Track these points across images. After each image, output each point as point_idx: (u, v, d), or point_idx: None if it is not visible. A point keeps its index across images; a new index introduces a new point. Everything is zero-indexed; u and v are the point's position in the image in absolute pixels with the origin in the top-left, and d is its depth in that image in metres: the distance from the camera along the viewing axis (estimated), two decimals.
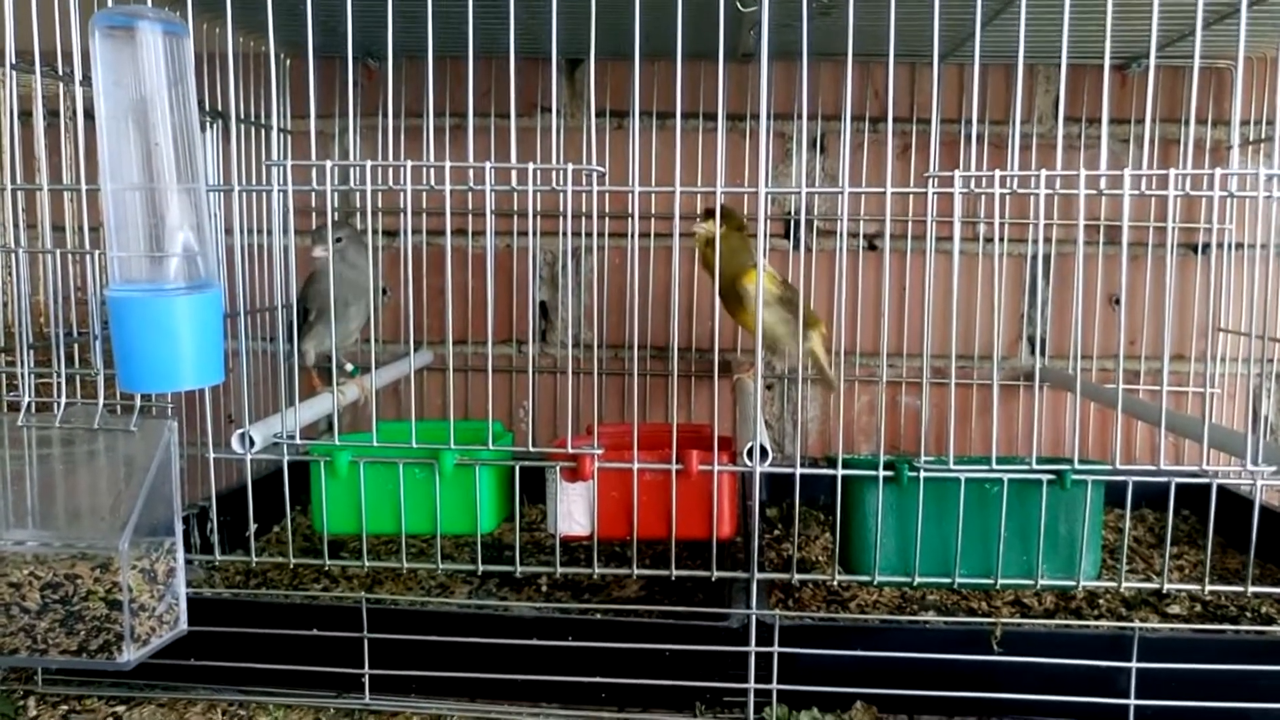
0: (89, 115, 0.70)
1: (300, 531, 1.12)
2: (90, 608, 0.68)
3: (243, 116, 1.06)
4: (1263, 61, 1.20)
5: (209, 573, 0.97)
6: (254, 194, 1.00)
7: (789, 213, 1.28)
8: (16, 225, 0.82)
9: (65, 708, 0.80)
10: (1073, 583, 0.80)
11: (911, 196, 1.18)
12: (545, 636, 0.79)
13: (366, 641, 0.80)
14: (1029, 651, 0.77)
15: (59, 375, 0.78)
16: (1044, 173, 0.75)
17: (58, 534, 0.70)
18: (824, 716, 0.78)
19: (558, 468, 0.82)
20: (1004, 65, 1.24)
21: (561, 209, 1.18)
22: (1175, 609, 0.93)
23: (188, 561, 0.76)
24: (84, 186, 0.81)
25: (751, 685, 0.79)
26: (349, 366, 1.04)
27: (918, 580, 0.81)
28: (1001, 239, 1.24)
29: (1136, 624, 0.78)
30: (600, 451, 0.81)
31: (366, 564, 0.85)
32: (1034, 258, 1.26)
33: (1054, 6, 0.78)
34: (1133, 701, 0.77)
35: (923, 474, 0.78)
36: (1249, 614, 0.92)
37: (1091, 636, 0.79)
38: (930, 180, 0.77)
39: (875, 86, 1.26)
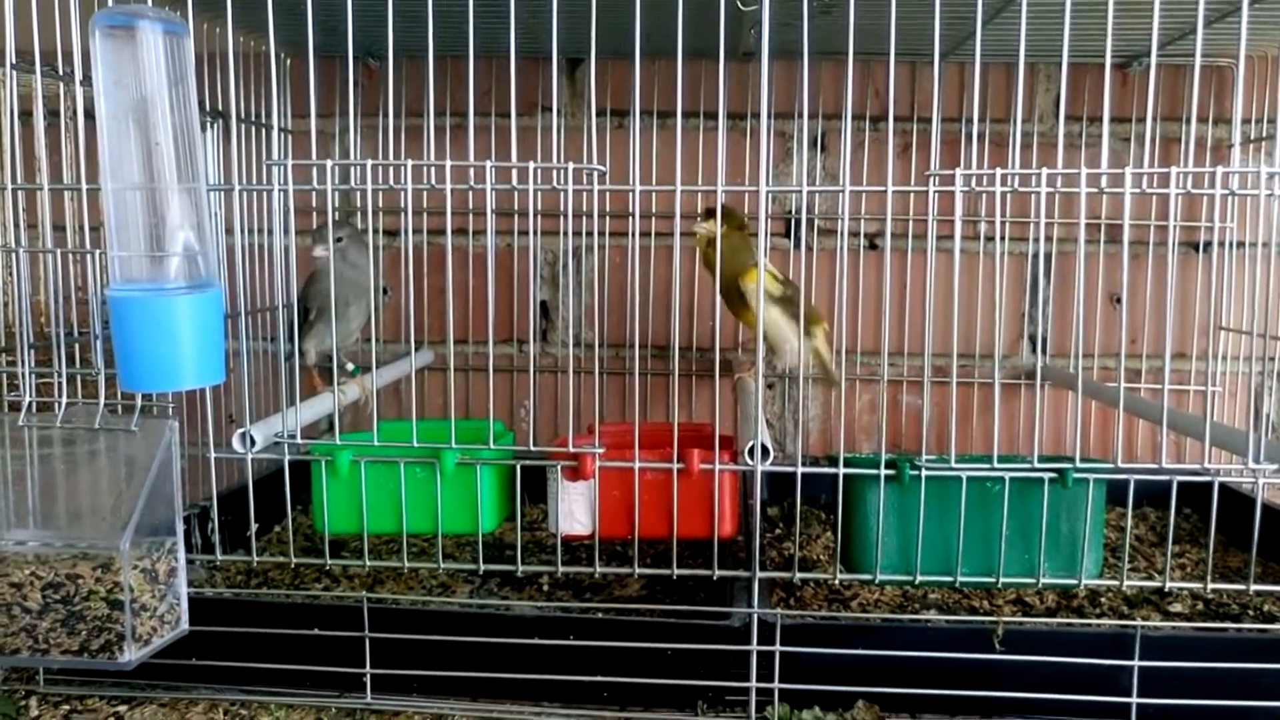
0: (89, 115, 0.70)
1: (301, 531, 1.12)
2: (92, 608, 0.68)
3: (243, 116, 1.06)
4: (1264, 60, 1.19)
5: (210, 572, 0.97)
6: (254, 193, 0.99)
7: (790, 212, 1.28)
8: (17, 225, 0.82)
9: (67, 708, 0.80)
10: (1074, 581, 0.80)
11: (912, 195, 1.18)
12: (547, 636, 0.79)
13: (368, 641, 0.80)
14: (1031, 650, 0.77)
15: (60, 375, 0.78)
16: (1045, 171, 0.75)
17: (59, 534, 0.70)
18: (826, 715, 0.78)
19: (559, 467, 0.82)
20: (1005, 64, 1.24)
21: (562, 208, 1.18)
22: (1177, 607, 0.93)
23: (189, 561, 0.76)
24: (84, 186, 0.81)
25: (753, 684, 0.79)
26: (350, 366, 1.04)
27: (919, 579, 0.81)
28: (1003, 238, 1.24)
29: (1139, 622, 0.78)
30: (601, 451, 0.81)
31: (368, 563, 0.85)
32: (1035, 256, 1.26)
33: (1055, 5, 0.78)
34: (1135, 700, 0.77)
35: (924, 473, 0.78)
36: (1251, 612, 0.92)
37: (1093, 635, 0.79)
38: (931, 179, 0.77)
39: (876, 85, 1.26)
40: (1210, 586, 0.82)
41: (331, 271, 0.87)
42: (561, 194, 0.79)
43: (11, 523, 0.70)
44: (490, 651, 0.80)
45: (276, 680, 0.81)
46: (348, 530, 0.86)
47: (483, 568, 0.84)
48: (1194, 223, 1.25)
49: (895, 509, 0.80)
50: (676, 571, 0.82)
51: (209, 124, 1.05)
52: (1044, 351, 1.28)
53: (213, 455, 0.84)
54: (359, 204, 1.24)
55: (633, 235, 0.82)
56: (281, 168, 0.82)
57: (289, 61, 1.24)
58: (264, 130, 1.13)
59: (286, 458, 0.83)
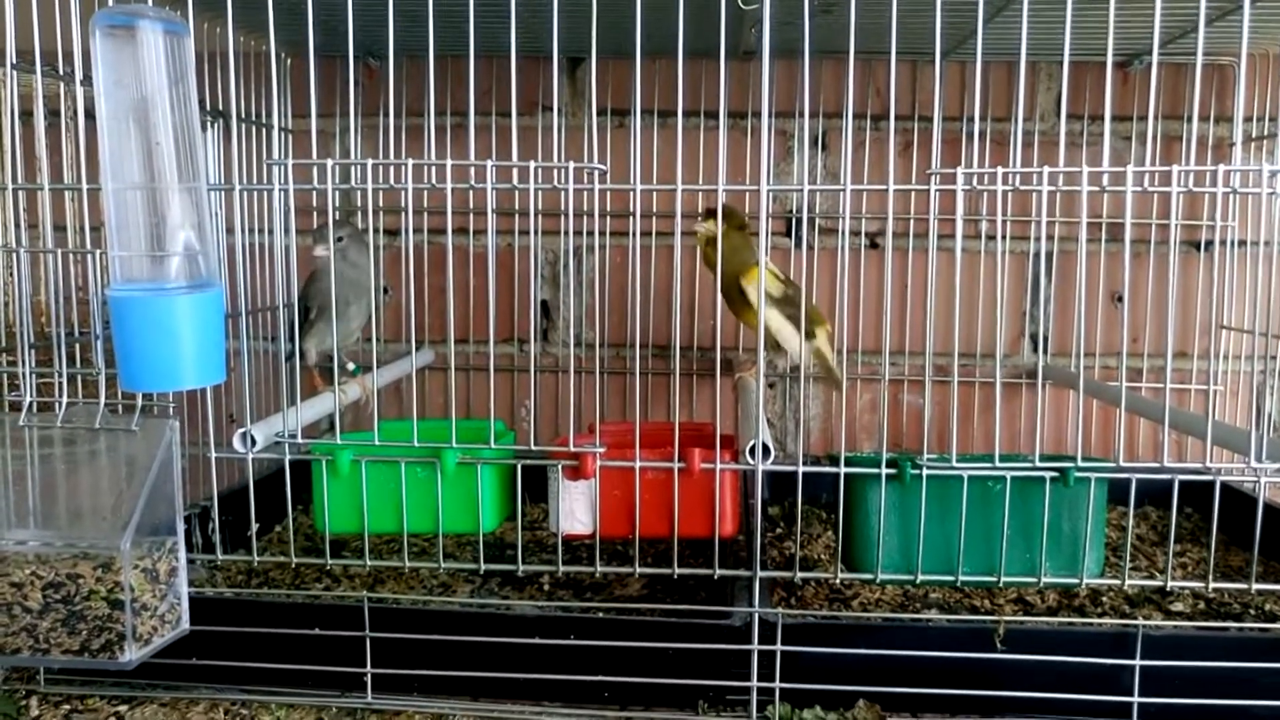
0: (90, 115, 0.70)
1: (302, 531, 1.12)
2: (92, 607, 0.68)
3: (244, 116, 1.06)
4: (1265, 58, 1.19)
5: (211, 572, 0.97)
6: (255, 193, 1.00)
7: (791, 211, 1.28)
8: (18, 225, 0.82)
9: (67, 707, 0.80)
10: (1076, 580, 0.80)
11: (913, 194, 1.18)
12: (547, 635, 0.79)
13: (369, 640, 0.80)
14: (1032, 649, 0.77)
15: (60, 375, 0.78)
16: (1046, 170, 0.74)
17: (59, 534, 0.70)
18: (827, 715, 0.78)
19: (560, 466, 0.82)
20: (1006, 63, 1.24)
21: (563, 207, 1.17)
22: (1179, 606, 0.93)
23: (189, 561, 0.75)
24: (85, 186, 0.81)
25: (754, 684, 0.79)
26: (350, 365, 1.04)
27: (920, 578, 0.80)
28: (1004, 237, 1.24)
29: (1140, 621, 0.78)
30: (602, 450, 0.81)
31: (368, 563, 0.85)
32: (1036, 255, 1.26)
33: (1056, 4, 0.78)
34: (1136, 699, 0.77)
35: (925, 472, 0.78)
36: (1252, 611, 0.92)
37: (1095, 634, 0.79)
38: (932, 178, 0.77)
39: (877, 84, 1.26)
40: (1212, 586, 0.81)
41: (332, 271, 0.87)
42: (562, 193, 0.78)
43: (12, 522, 0.70)
44: (491, 651, 0.80)
45: (277, 680, 0.81)
46: (348, 530, 0.86)
47: (483, 567, 0.84)
48: (1195, 221, 1.25)
49: (896, 508, 0.80)
50: (677, 571, 0.82)
51: (209, 124, 1.05)
52: (1045, 351, 1.28)
53: (213, 455, 0.84)
54: (359, 203, 1.24)
55: (633, 235, 0.82)
56: (282, 167, 0.82)
57: (289, 61, 1.23)
58: (264, 130, 1.13)
59: (287, 457, 0.83)
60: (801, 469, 0.84)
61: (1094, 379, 1.22)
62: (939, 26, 0.75)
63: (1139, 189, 0.75)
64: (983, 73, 0.84)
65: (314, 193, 1.15)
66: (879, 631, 0.80)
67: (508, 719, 0.79)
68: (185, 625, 0.74)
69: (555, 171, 0.77)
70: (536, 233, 1.27)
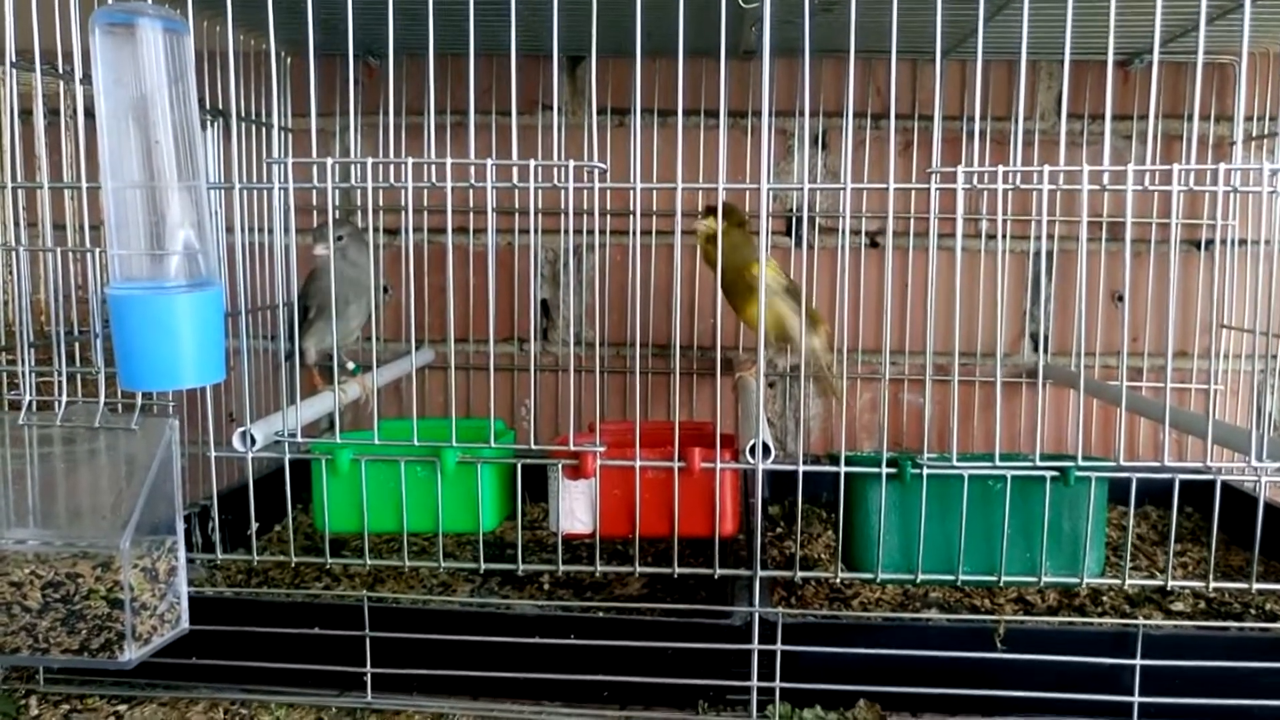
0: (89, 113, 0.70)
1: (302, 530, 1.12)
2: (91, 607, 0.68)
3: (243, 114, 1.06)
4: (1265, 57, 1.19)
5: (210, 571, 0.97)
6: (255, 192, 0.99)
7: (791, 210, 1.28)
8: (17, 224, 0.82)
9: (67, 707, 0.80)
10: (1076, 580, 0.80)
11: (914, 193, 1.18)
12: (547, 635, 0.79)
13: (368, 640, 0.80)
14: (1032, 649, 0.77)
15: (60, 374, 0.78)
16: (1047, 168, 0.74)
17: (59, 533, 0.70)
18: (827, 714, 0.78)
19: (560, 465, 0.82)
20: (1006, 62, 1.23)
21: (563, 206, 1.17)
22: (1179, 606, 0.93)
23: (189, 560, 0.75)
24: (84, 185, 0.80)
25: (754, 683, 0.79)
26: (350, 365, 1.04)
27: (921, 578, 0.80)
28: (1004, 236, 1.24)
29: (1140, 621, 0.78)
30: (602, 449, 0.81)
31: (368, 562, 0.85)
32: (1036, 254, 1.25)
33: (1056, 2, 0.77)
34: (1136, 699, 0.77)
35: (925, 471, 0.78)
36: (1253, 611, 0.92)
37: (1095, 634, 0.78)
38: (933, 177, 0.77)
39: (877, 83, 1.25)
40: (1212, 585, 0.81)
41: (332, 270, 0.87)
42: (562, 192, 0.78)
43: (11, 521, 0.70)
44: (491, 650, 0.80)
45: (277, 679, 0.81)
46: (348, 529, 0.86)
47: (483, 566, 0.84)
48: (1196, 220, 1.25)
49: (896, 507, 0.80)
50: (677, 570, 0.82)
51: (209, 122, 1.05)
52: (1045, 350, 1.28)
53: (213, 454, 0.84)
54: (359, 202, 1.24)
55: (633, 233, 0.82)
56: (282, 166, 0.82)
57: (289, 60, 1.23)
58: (264, 128, 1.12)
59: (287, 456, 0.83)
60: (802, 468, 0.84)
61: (1094, 378, 1.22)
62: (939, 25, 0.75)
63: (1139, 188, 0.75)
64: (983, 71, 0.84)
65: (314, 191, 1.15)
66: (879, 631, 0.80)
67: (507, 718, 0.79)
68: (185, 624, 0.74)
69: (555, 170, 0.77)
70: (536, 231, 1.27)
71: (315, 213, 1.22)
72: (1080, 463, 0.78)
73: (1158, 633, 0.77)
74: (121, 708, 0.80)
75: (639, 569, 0.84)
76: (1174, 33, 1.06)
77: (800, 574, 0.83)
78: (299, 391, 0.88)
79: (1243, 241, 1.21)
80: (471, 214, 1.20)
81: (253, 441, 0.79)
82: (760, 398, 0.84)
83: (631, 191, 0.79)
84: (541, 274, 1.30)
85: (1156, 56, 0.76)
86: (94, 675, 0.83)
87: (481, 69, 1.21)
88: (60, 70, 0.81)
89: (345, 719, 0.79)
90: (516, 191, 0.79)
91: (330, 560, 0.86)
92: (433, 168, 0.77)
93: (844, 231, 0.80)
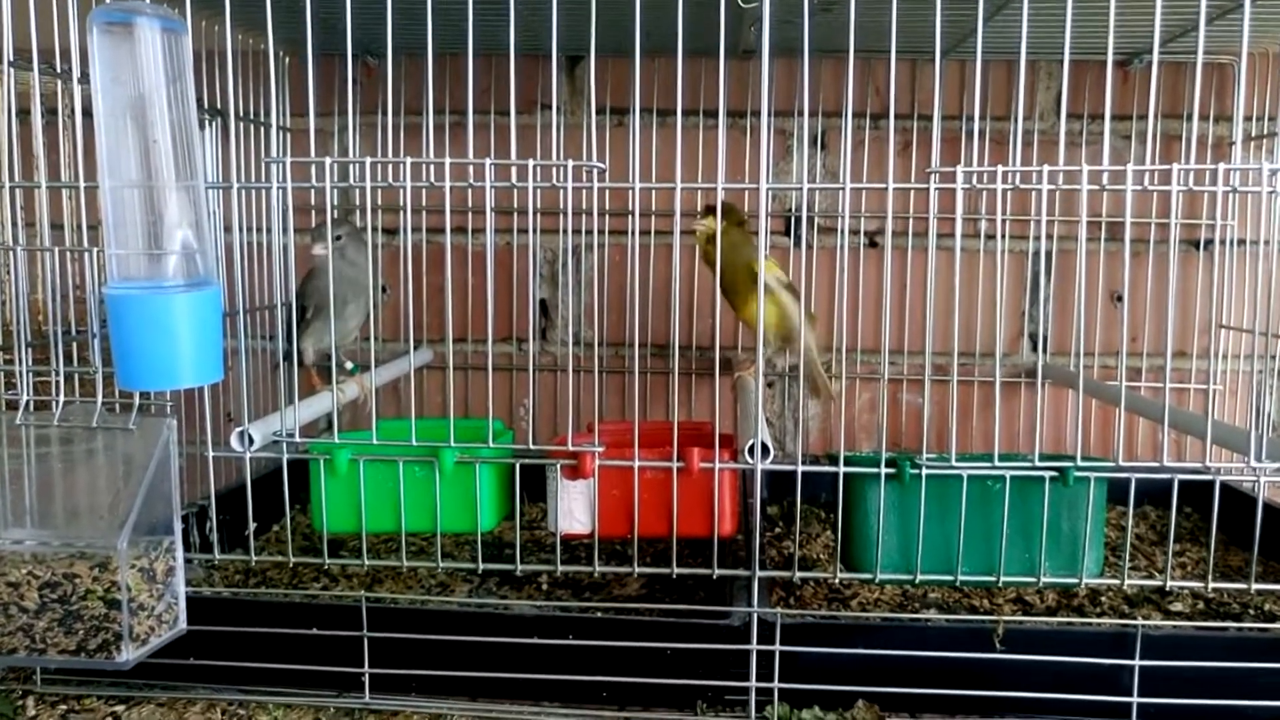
0: (87, 113, 0.70)
1: (300, 530, 1.12)
2: (89, 607, 0.68)
3: (241, 114, 1.06)
4: (1265, 57, 1.19)
5: (208, 572, 0.97)
6: (253, 191, 0.99)
7: (790, 210, 1.28)
8: (15, 223, 0.81)
9: (64, 707, 0.80)
10: (1075, 580, 0.80)
11: (913, 193, 1.18)
12: (546, 635, 0.79)
13: (366, 640, 0.80)
14: (1031, 649, 0.77)
15: (57, 374, 0.78)
16: (1046, 168, 0.74)
17: (56, 533, 0.70)
18: (826, 715, 0.78)
19: (558, 465, 0.82)
20: (1005, 61, 1.23)
21: (562, 206, 1.17)
22: (1178, 606, 0.93)
23: (187, 560, 0.75)
24: (82, 184, 0.80)
25: (753, 684, 0.79)
26: (349, 364, 1.04)
27: (920, 578, 0.80)
28: (1003, 236, 1.24)
29: (1139, 621, 0.78)
30: (601, 449, 0.81)
31: (366, 563, 0.84)
32: (1036, 254, 1.25)
33: (1056, 2, 0.77)
34: (1135, 699, 0.77)
35: (924, 471, 0.78)
36: (1252, 611, 0.92)
37: (1094, 634, 0.78)
38: (932, 177, 0.76)
39: (876, 83, 1.25)
40: (1211, 585, 0.81)
41: (330, 270, 0.86)
42: (561, 192, 0.78)
43: (9, 521, 0.70)
44: (489, 651, 0.80)
45: (274, 680, 0.81)
46: (346, 529, 0.86)
47: (481, 567, 0.84)
48: (1195, 220, 1.25)
49: (895, 508, 0.80)
50: (676, 570, 0.82)
51: (207, 122, 1.05)
52: (1044, 350, 1.28)
53: (211, 454, 0.84)
54: (358, 202, 1.24)
55: (632, 233, 0.82)
56: (280, 165, 0.81)
57: (287, 59, 1.23)
58: (262, 128, 1.12)
59: (285, 456, 0.83)
60: (800, 468, 0.84)
61: (1093, 378, 1.22)
62: (939, 25, 0.75)
63: (1139, 188, 0.75)
64: (982, 71, 0.84)
65: (312, 191, 1.15)
66: (878, 631, 0.80)
67: (506, 719, 0.79)
68: (182, 625, 0.74)
69: (554, 170, 0.77)
70: (535, 231, 1.27)
71: (314, 212, 1.22)
72: (1079, 463, 0.78)
73: (1156, 633, 0.77)
74: (119, 708, 0.80)
75: (638, 569, 0.84)
76: (1174, 33, 1.06)
77: (799, 574, 0.83)
78: (297, 391, 0.88)
79: (1242, 241, 1.21)
80: (470, 214, 1.20)
81: (251, 441, 0.79)
82: (759, 398, 0.84)
83: (630, 191, 0.79)
84: (540, 274, 1.30)
85: (1156, 56, 0.76)
86: (91, 676, 0.83)
87: (480, 69, 1.21)
88: (58, 69, 0.80)
89: (343, 719, 0.79)
90: (515, 191, 0.79)
91: (328, 560, 0.86)
92: (431, 167, 0.77)
93: (843, 231, 0.80)
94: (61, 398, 0.77)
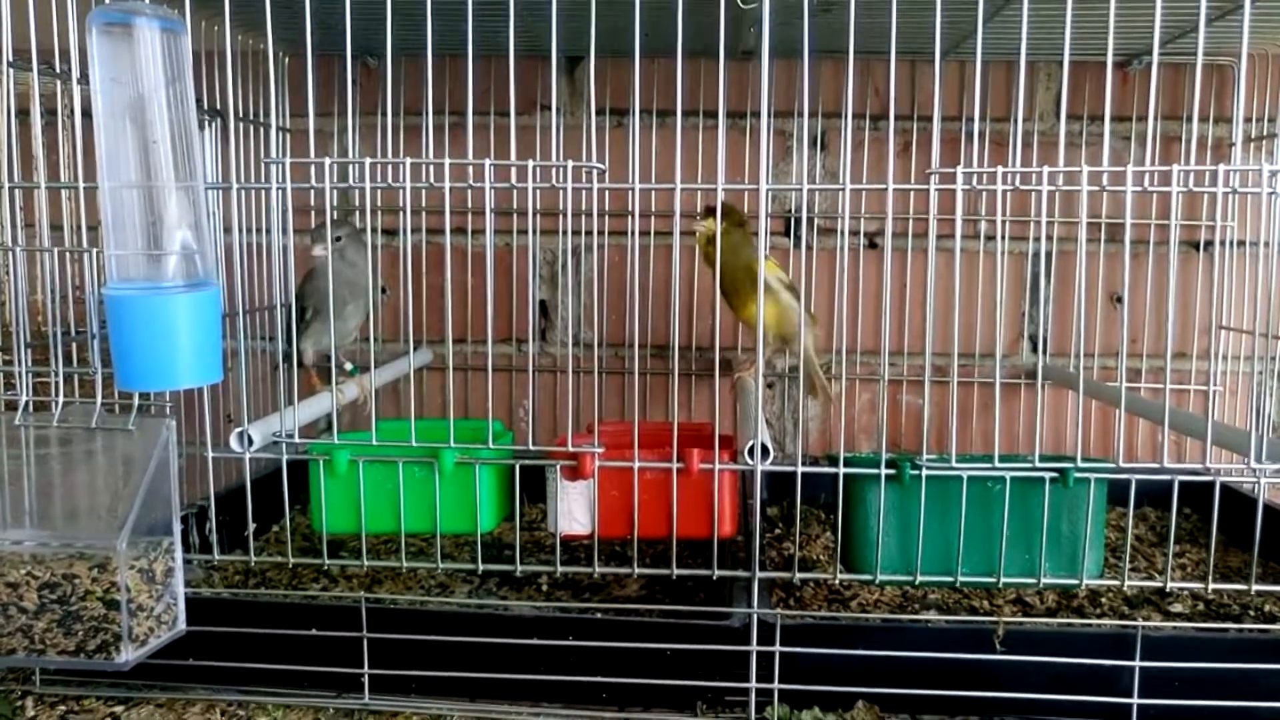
0: (86, 113, 0.70)
1: (299, 531, 1.11)
2: (88, 608, 0.68)
3: (241, 114, 1.05)
4: (1265, 58, 1.19)
5: (207, 572, 0.97)
6: (253, 192, 0.99)
7: (790, 210, 1.28)
8: (14, 224, 0.81)
9: (63, 708, 0.80)
10: (1075, 581, 0.80)
11: (913, 194, 1.18)
12: (545, 636, 0.79)
13: (366, 641, 0.80)
14: (1031, 650, 0.77)
15: (57, 374, 0.78)
16: (1046, 169, 0.74)
17: (55, 534, 0.69)
18: (825, 716, 0.78)
19: (558, 466, 0.82)
20: (1005, 62, 1.23)
21: (561, 207, 1.17)
22: (1178, 607, 0.93)
23: (186, 561, 0.75)
24: (81, 185, 0.80)
25: (753, 684, 0.78)
26: (348, 365, 1.04)
27: (920, 579, 0.80)
28: (1003, 237, 1.24)
29: (1139, 622, 0.78)
30: (601, 450, 0.81)
31: (366, 563, 0.84)
32: (1035, 255, 1.25)
33: (1056, 3, 0.77)
34: (1136, 700, 0.77)
35: (924, 472, 0.78)
36: (1252, 612, 0.92)
37: (1094, 635, 0.78)
38: (932, 178, 0.76)
39: (876, 84, 1.25)
40: (1211, 587, 0.81)
41: (330, 270, 0.86)
42: (561, 193, 0.78)
43: (8, 522, 0.70)
44: (489, 652, 0.80)
45: (274, 680, 0.81)
46: (346, 530, 0.86)
47: (481, 568, 0.84)
48: (1195, 222, 1.25)
49: (895, 509, 0.80)
50: (676, 571, 0.82)
51: (207, 122, 1.05)
52: (1044, 351, 1.28)
53: (210, 454, 0.84)
54: (357, 203, 1.24)
55: (632, 234, 0.82)
56: (280, 166, 0.81)
57: (287, 60, 1.23)
58: (262, 129, 1.12)
59: (284, 457, 0.83)
60: (800, 469, 0.84)
61: (1093, 379, 1.22)
62: (939, 26, 0.75)
63: (1139, 189, 0.75)
64: (982, 72, 0.84)
65: (312, 192, 1.14)
66: (878, 632, 0.80)
67: (505, 719, 0.79)
68: (182, 626, 0.74)
69: (554, 171, 0.77)
70: (535, 232, 1.27)
71: (313, 213, 1.22)
72: (1079, 464, 0.78)
73: (1157, 634, 0.77)
74: (118, 709, 0.80)
75: (637, 570, 0.84)
76: (1173, 34, 1.06)
77: (799, 575, 0.83)
78: (296, 392, 0.88)
79: (1241, 243, 1.21)
80: (470, 214, 1.20)
81: (250, 442, 0.79)
82: (759, 399, 0.84)
83: (630, 192, 0.79)
84: (540, 275, 1.30)
85: (1156, 57, 0.76)
86: (90, 676, 0.83)
87: (480, 69, 1.21)
88: (57, 70, 0.80)
89: (342, 719, 0.79)
90: (515, 192, 0.79)
91: (328, 561, 0.86)
92: (431, 168, 0.77)
93: (843, 232, 0.80)
94: (61, 398, 0.77)
